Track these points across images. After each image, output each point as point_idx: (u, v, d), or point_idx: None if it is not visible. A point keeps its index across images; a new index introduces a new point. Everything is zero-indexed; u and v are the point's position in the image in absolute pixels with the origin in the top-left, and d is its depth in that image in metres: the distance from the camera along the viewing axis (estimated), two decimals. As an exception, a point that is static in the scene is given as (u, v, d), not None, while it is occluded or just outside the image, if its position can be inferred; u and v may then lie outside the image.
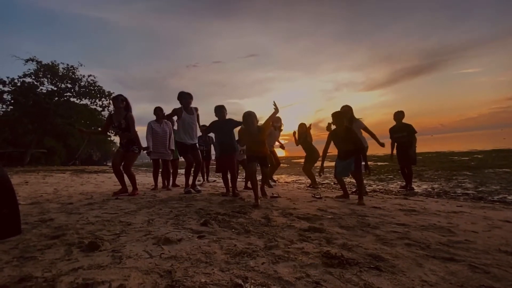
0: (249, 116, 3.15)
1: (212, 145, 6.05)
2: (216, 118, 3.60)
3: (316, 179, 5.38)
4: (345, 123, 3.33)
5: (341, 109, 4.18)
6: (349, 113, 3.97)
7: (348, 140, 3.23)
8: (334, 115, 3.35)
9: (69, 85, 18.88)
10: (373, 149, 3.18)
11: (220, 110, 3.56)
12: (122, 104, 3.64)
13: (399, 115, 4.54)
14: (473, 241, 1.60)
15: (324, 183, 5.73)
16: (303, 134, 5.03)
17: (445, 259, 1.31)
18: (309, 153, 5.01)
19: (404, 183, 4.67)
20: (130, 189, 3.77)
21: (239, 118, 4.53)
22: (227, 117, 3.64)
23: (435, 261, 1.29)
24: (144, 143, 4.03)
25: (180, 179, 5.95)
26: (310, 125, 5.04)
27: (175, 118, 4.19)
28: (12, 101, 17.42)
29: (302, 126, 5.11)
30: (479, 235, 1.74)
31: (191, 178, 4.01)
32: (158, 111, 4.47)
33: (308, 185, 5.19)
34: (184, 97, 3.84)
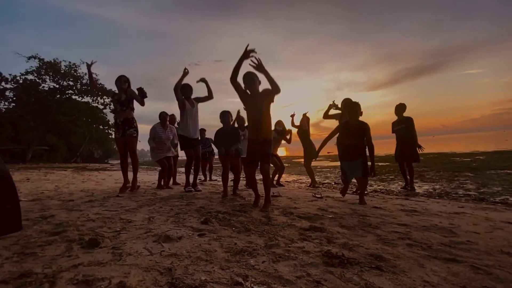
0: (250, 74, 2.62)
1: (212, 145, 6.07)
2: (221, 124, 3.59)
3: (316, 179, 5.36)
4: (359, 117, 3.01)
5: (342, 103, 4.04)
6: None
7: (359, 136, 2.95)
8: (349, 107, 3.03)
9: (71, 83, 18.95)
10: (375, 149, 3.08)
11: (225, 115, 3.53)
12: (124, 85, 3.64)
13: (399, 108, 4.50)
14: (475, 242, 1.59)
15: (324, 183, 5.72)
16: (303, 127, 4.92)
17: (447, 259, 1.30)
18: (307, 148, 4.92)
19: (404, 183, 4.65)
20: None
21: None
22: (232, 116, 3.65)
23: (437, 262, 1.28)
24: (146, 146, 4.05)
25: (181, 178, 5.96)
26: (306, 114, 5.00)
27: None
28: (15, 98, 17.50)
29: (306, 117, 4.96)
30: (481, 236, 1.73)
31: (191, 177, 4.00)
32: (164, 115, 4.46)
33: (308, 184, 5.17)
34: (185, 91, 3.79)
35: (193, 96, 3.97)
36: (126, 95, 3.61)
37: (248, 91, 2.69)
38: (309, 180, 5.24)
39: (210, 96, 3.99)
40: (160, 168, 4.41)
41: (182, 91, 3.81)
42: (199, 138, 4.06)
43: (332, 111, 4.34)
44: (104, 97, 19.88)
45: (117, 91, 3.74)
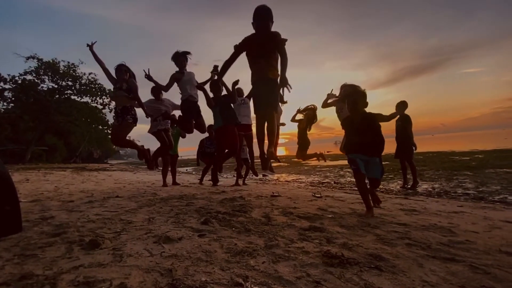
0: (267, 10, 2.30)
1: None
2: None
3: (316, 179, 5.35)
4: (363, 108, 2.43)
5: (341, 87, 3.93)
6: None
7: (367, 131, 2.38)
8: (348, 98, 2.45)
9: (70, 83, 18.91)
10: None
11: (216, 85, 3.43)
12: (125, 75, 3.56)
13: (400, 106, 4.55)
14: (473, 241, 1.59)
15: (324, 182, 5.73)
16: (302, 125, 4.77)
17: (446, 259, 1.31)
18: (302, 141, 4.80)
19: (403, 182, 4.69)
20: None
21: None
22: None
23: (436, 261, 1.29)
24: (147, 145, 3.97)
25: (180, 177, 5.97)
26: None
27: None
28: (13, 98, 17.47)
29: (309, 115, 4.63)
30: (480, 235, 1.74)
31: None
32: (156, 91, 4.23)
33: (319, 158, 4.91)
34: (178, 58, 3.65)
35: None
36: (127, 85, 3.53)
37: (256, 28, 2.36)
38: (309, 179, 5.19)
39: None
40: (161, 168, 4.36)
41: (176, 59, 3.65)
42: (198, 102, 3.86)
43: (331, 100, 4.23)
44: (104, 97, 19.85)
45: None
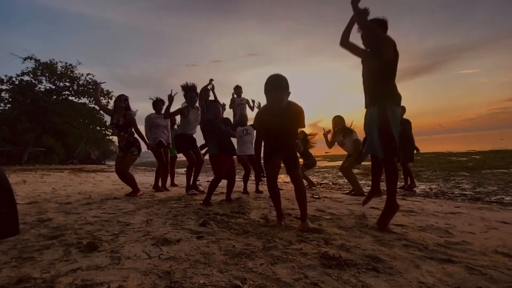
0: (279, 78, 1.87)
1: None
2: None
3: (314, 180, 5.37)
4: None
5: (332, 120, 4.07)
6: (340, 123, 3.95)
7: (377, 70, 1.92)
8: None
9: (67, 84, 18.86)
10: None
11: (215, 106, 3.34)
12: (124, 103, 3.59)
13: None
14: (470, 242, 1.61)
15: (322, 183, 5.74)
16: (299, 149, 4.73)
17: (443, 260, 1.32)
18: (307, 162, 4.78)
19: (404, 183, 4.70)
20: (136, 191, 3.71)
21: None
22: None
23: (433, 263, 1.29)
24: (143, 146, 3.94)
25: (178, 179, 5.95)
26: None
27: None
28: (10, 99, 17.39)
29: (303, 135, 4.60)
30: (476, 236, 1.75)
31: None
32: (159, 103, 4.22)
33: (305, 185, 5.13)
34: (188, 94, 3.67)
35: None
36: (125, 120, 3.52)
37: (269, 103, 1.99)
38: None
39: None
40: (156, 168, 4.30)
41: (186, 94, 3.66)
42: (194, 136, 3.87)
43: (329, 136, 4.16)
44: (101, 98, 19.81)
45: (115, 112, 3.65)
